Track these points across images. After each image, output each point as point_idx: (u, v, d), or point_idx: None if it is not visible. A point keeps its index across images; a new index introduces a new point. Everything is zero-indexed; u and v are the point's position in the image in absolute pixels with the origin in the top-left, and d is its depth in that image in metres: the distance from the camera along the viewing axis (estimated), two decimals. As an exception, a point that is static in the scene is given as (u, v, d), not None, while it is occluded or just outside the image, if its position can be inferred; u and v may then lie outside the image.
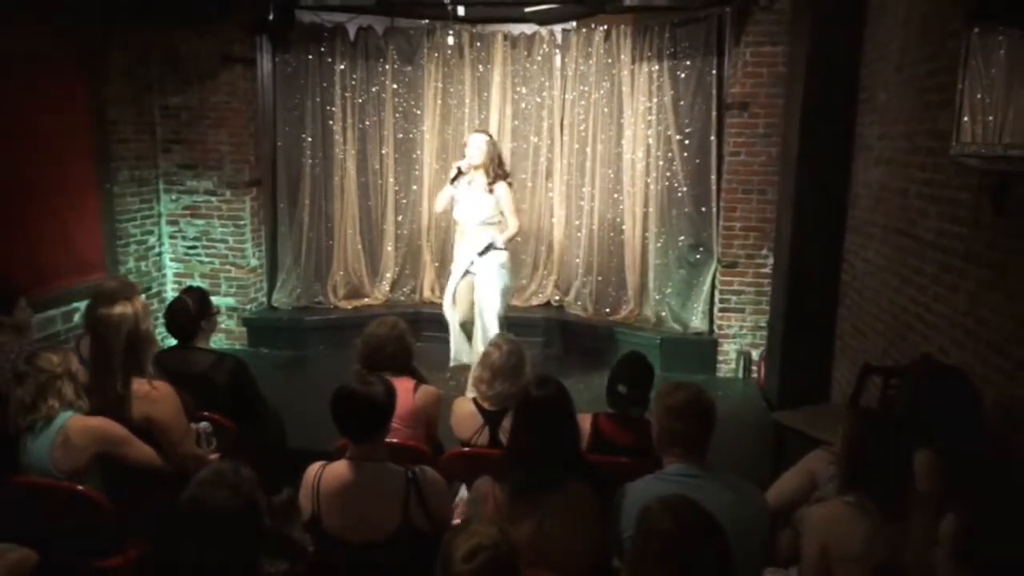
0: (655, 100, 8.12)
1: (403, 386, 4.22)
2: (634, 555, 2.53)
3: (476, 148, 6.51)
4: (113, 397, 3.92)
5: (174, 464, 3.96)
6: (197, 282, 8.10)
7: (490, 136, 6.77)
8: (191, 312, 4.77)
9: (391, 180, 9.05)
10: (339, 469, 3.32)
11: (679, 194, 7.99)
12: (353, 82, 8.82)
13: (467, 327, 6.84)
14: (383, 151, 9.00)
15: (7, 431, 3.72)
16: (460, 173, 6.55)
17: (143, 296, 6.51)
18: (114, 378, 3.94)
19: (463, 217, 6.65)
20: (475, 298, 6.66)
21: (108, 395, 3.92)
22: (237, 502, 2.66)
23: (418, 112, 9.00)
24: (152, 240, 8.27)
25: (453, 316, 6.85)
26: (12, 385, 3.76)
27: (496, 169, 6.60)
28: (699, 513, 2.47)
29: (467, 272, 6.68)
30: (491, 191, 6.58)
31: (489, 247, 6.54)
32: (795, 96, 6.47)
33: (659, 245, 8.15)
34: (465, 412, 4.31)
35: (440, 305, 8.92)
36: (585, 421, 4.09)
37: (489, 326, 6.55)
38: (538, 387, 3.48)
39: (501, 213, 6.62)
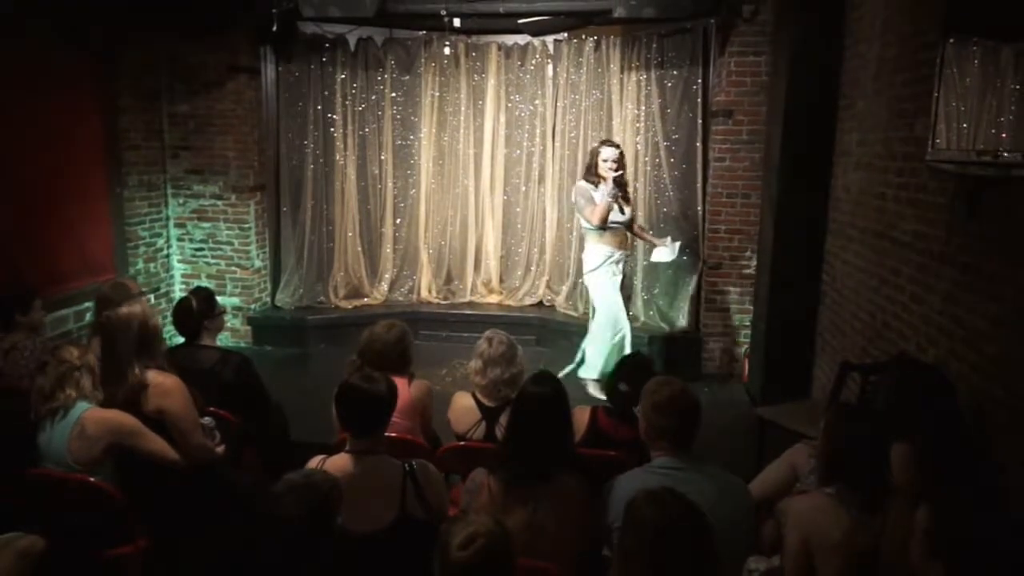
0: (643, 108, 8.12)
1: (400, 383, 4.22)
2: (622, 544, 2.53)
3: (612, 160, 6.55)
4: (128, 391, 3.92)
5: (184, 454, 3.96)
6: (204, 283, 8.10)
7: (619, 147, 6.83)
8: (195, 312, 4.78)
9: (390, 184, 9.03)
10: (340, 462, 3.32)
11: (666, 197, 7.99)
12: (353, 91, 8.81)
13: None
14: (382, 157, 8.99)
15: (23, 424, 3.73)
16: (617, 185, 6.59)
17: (150, 296, 6.51)
18: (129, 373, 3.94)
19: (616, 223, 6.66)
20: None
21: (122, 389, 3.92)
22: (311, 521, 2.73)
23: (416, 119, 8.99)
24: (161, 242, 8.26)
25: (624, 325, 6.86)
26: (35, 374, 3.82)
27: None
28: (684, 504, 2.47)
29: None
30: (627, 195, 6.87)
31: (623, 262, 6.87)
32: (777, 104, 6.48)
33: (647, 247, 8.15)
34: (464, 406, 4.31)
35: (438, 304, 9.00)
36: (584, 414, 4.12)
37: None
38: (535, 383, 3.52)
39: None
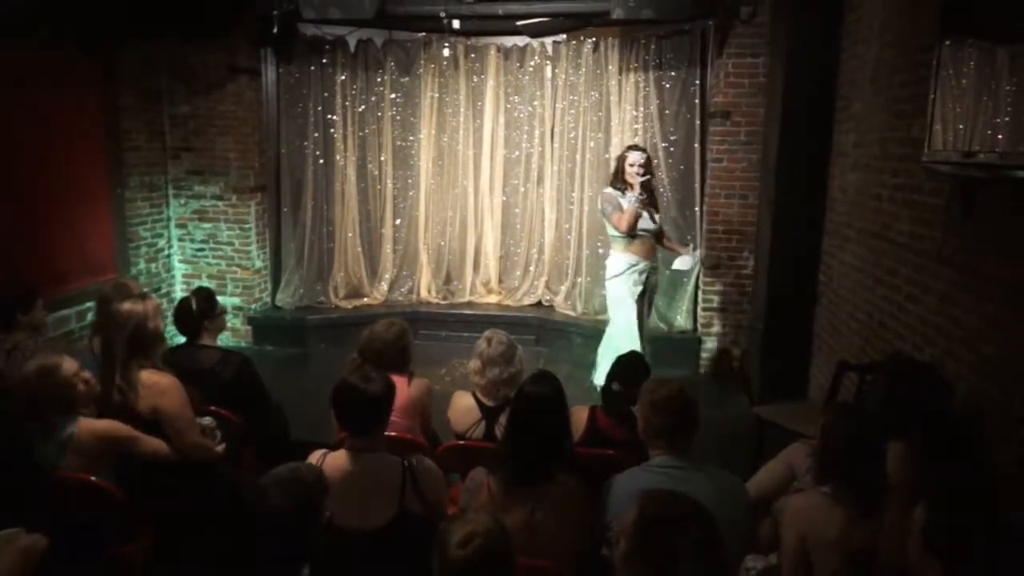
0: (641, 109, 8.13)
1: (399, 381, 4.24)
2: (628, 543, 2.51)
3: (639, 165, 6.30)
4: (120, 390, 3.90)
5: (180, 453, 3.96)
6: (205, 283, 8.09)
7: (645, 151, 6.56)
8: (194, 312, 4.78)
9: (389, 185, 9.04)
10: (339, 459, 3.34)
11: (664, 198, 7.96)
12: (353, 92, 8.81)
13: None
14: (382, 158, 9.00)
15: (23, 424, 3.71)
16: (644, 190, 6.32)
17: (151, 295, 6.50)
18: (119, 370, 3.93)
19: (644, 231, 6.35)
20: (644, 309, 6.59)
21: (116, 388, 3.91)
22: (296, 512, 2.73)
23: (415, 120, 9.00)
24: (162, 243, 8.26)
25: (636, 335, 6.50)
26: (21, 393, 3.72)
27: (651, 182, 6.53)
28: (689, 502, 2.47)
29: (644, 286, 6.49)
30: (656, 202, 6.57)
31: (649, 273, 6.48)
32: (775, 105, 6.48)
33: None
34: (464, 405, 4.31)
35: (437, 304, 9.01)
36: (582, 414, 4.12)
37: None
38: (533, 383, 3.52)
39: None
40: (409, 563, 3.22)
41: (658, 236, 6.60)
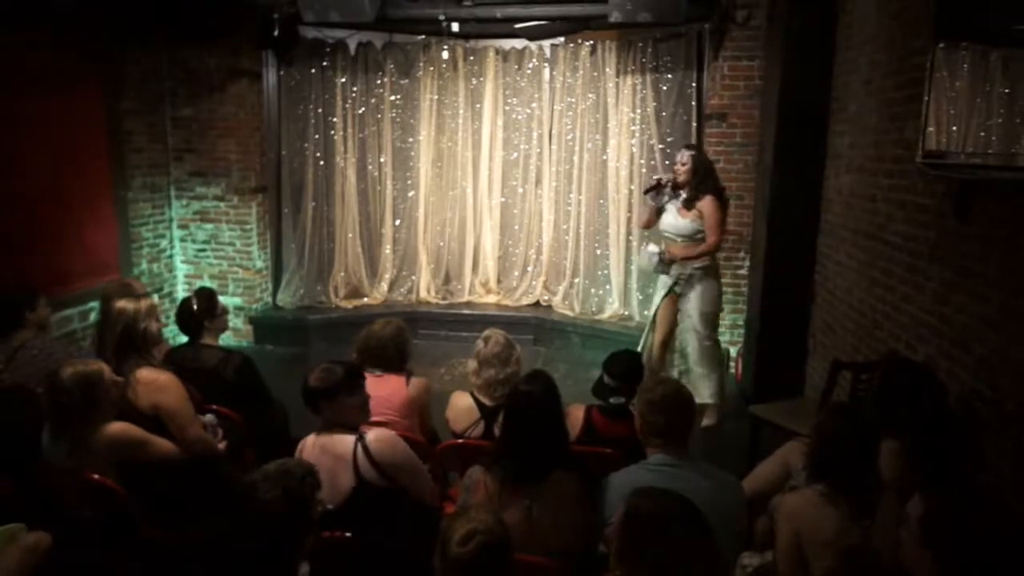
0: (638, 111, 8.14)
1: (397, 380, 4.30)
2: (619, 541, 2.52)
3: (680, 164, 6.06)
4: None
5: (183, 448, 3.95)
6: (206, 283, 8.09)
7: (696, 151, 6.19)
8: (194, 312, 4.77)
9: (389, 186, 9.04)
10: (310, 441, 3.53)
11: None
12: (353, 94, 8.81)
13: (666, 344, 6.46)
14: (381, 159, 9.00)
15: (26, 423, 3.70)
16: (659, 185, 6.14)
17: (153, 296, 6.50)
18: (113, 366, 3.93)
19: (665, 231, 6.19)
20: (679, 318, 6.31)
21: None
22: (286, 504, 2.74)
23: (414, 122, 9.00)
24: (164, 243, 8.26)
25: (649, 335, 6.45)
26: (48, 400, 3.65)
27: (699, 184, 6.00)
28: (680, 501, 2.48)
29: (671, 290, 6.25)
30: (691, 207, 6.01)
31: (685, 276, 6.12)
32: (770, 107, 6.49)
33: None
34: (463, 405, 4.30)
35: (437, 304, 9.02)
36: (578, 412, 4.11)
37: (689, 345, 6.26)
38: (527, 382, 3.55)
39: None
40: (374, 533, 3.32)
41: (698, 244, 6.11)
